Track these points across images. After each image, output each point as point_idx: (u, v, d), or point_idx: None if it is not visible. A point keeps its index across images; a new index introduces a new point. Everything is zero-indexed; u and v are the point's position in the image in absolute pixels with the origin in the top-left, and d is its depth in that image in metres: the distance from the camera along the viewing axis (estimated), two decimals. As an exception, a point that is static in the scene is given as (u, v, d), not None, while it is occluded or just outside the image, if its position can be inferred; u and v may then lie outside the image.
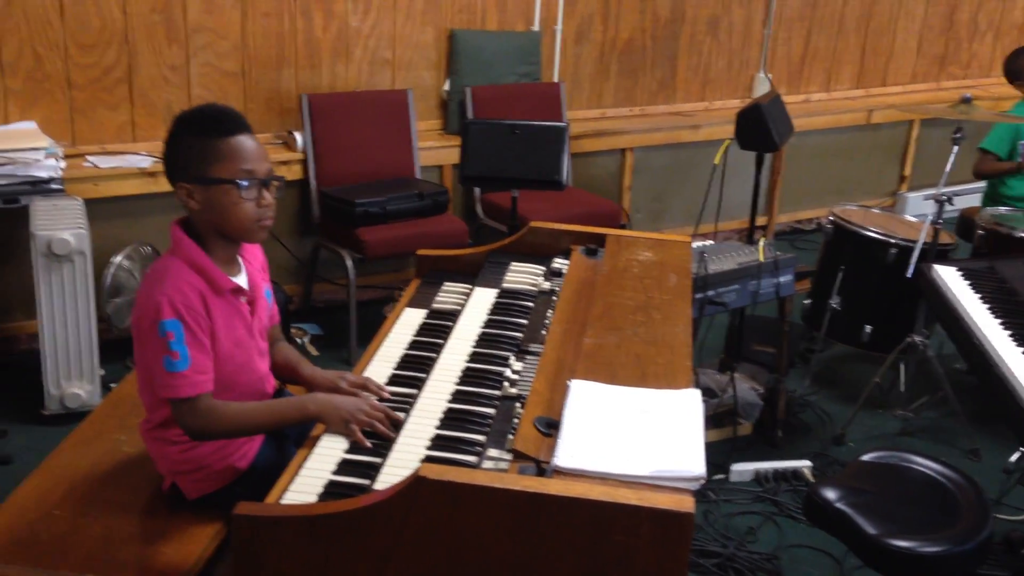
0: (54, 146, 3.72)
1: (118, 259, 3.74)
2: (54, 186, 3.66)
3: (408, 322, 2.37)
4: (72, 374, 3.48)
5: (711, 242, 3.61)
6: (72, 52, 3.92)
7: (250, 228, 1.97)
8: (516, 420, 1.83)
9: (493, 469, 1.68)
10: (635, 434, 1.71)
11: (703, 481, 1.59)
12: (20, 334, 3.97)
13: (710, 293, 3.30)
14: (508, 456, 1.71)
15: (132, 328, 1.99)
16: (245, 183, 1.93)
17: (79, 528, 2.00)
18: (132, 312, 2.01)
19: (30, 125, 3.87)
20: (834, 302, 3.88)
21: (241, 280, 2.04)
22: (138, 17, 4.01)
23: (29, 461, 3.22)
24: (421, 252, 2.68)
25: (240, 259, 2.08)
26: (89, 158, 3.96)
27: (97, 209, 3.82)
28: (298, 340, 4.18)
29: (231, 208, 1.94)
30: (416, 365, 2.14)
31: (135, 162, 3.98)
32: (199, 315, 1.91)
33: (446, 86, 4.76)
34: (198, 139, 1.93)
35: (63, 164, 3.74)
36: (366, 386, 2.02)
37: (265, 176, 1.97)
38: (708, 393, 3.65)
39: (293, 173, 4.31)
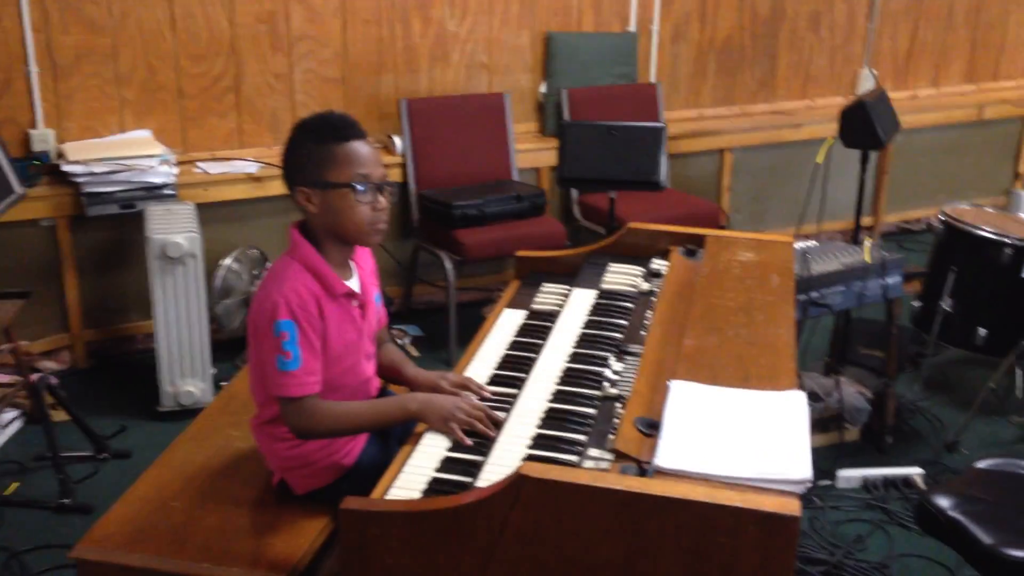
0: (167, 153, 3.87)
1: (227, 261, 3.86)
2: (167, 192, 3.81)
3: (508, 323, 2.39)
4: (186, 372, 3.61)
5: (814, 243, 3.54)
6: (183, 63, 4.07)
7: (365, 231, 2.02)
8: (616, 420, 1.84)
9: (594, 469, 1.69)
10: (738, 435, 1.70)
11: (809, 484, 1.57)
12: (137, 334, 4.14)
13: (814, 295, 3.24)
14: (609, 456, 1.71)
15: (248, 325, 2.06)
16: (361, 187, 1.98)
17: (195, 519, 2.08)
18: (249, 310, 2.08)
19: (145, 134, 4.02)
20: (945, 304, 3.76)
21: (354, 284, 2.09)
22: (244, 28, 4.14)
23: (146, 455, 3.36)
24: (520, 253, 2.70)
25: (353, 263, 2.13)
26: (199, 164, 4.10)
27: (207, 213, 3.95)
28: (399, 341, 4.25)
29: (347, 211, 1.99)
30: (516, 365, 2.16)
31: (242, 167, 4.11)
32: (313, 317, 1.97)
33: (542, 88, 4.79)
34: (316, 145, 1.99)
35: (176, 170, 3.88)
36: (466, 385, 2.05)
37: (380, 180, 2.02)
38: (813, 397, 3.58)
39: (392, 176, 4.38)
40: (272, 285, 1.98)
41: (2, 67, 3.79)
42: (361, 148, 2.00)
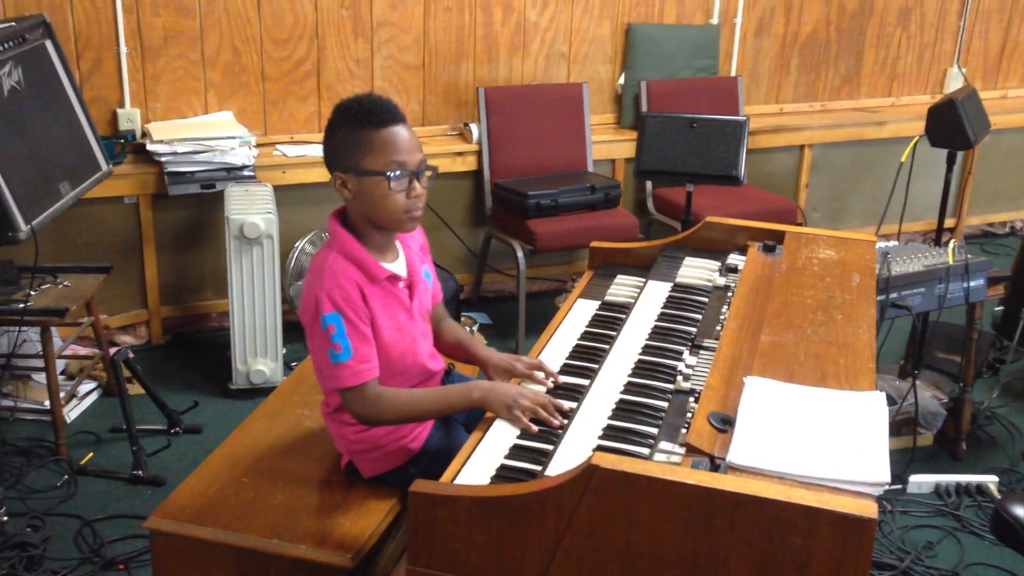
0: (248, 135, 3.92)
1: (302, 244, 3.91)
2: (247, 173, 3.87)
3: (580, 313, 2.38)
4: (258, 352, 3.66)
5: (895, 243, 3.46)
6: (267, 46, 4.12)
7: (399, 219, 2.00)
8: (689, 414, 1.82)
9: (665, 462, 1.67)
10: (814, 434, 1.66)
11: (886, 488, 1.53)
12: (211, 312, 4.22)
13: (893, 296, 3.17)
14: (680, 450, 1.69)
15: (300, 316, 2.07)
16: (395, 175, 1.96)
17: (264, 496, 2.11)
18: (299, 307, 2.09)
19: (227, 115, 4.09)
20: (1029, 310, 3.64)
21: (398, 266, 2.08)
22: (328, 12, 4.18)
23: (217, 431, 3.42)
24: (595, 244, 2.69)
25: (398, 243, 2.12)
26: (279, 147, 4.16)
27: (284, 195, 4.01)
28: (467, 329, 4.26)
29: (381, 199, 1.97)
30: (588, 355, 2.16)
31: (320, 151, 4.14)
32: (358, 306, 1.96)
33: (621, 80, 4.75)
34: (353, 130, 1.96)
35: (255, 152, 3.94)
36: (541, 367, 2.05)
37: (416, 167, 1.99)
38: (887, 400, 3.50)
39: (467, 164, 4.39)
40: (313, 280, 1.99)
41: (94, 47, 3.88)
42: (398, 134, 1.97)
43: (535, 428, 1.86)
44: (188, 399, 3.65)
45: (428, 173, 2.02)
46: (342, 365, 1.95)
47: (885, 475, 1.54)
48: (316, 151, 4.14)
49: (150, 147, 3.81)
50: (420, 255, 2.18)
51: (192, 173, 3.82)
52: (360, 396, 1.98)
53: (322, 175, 4.12)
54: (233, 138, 3.85)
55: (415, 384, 2.12)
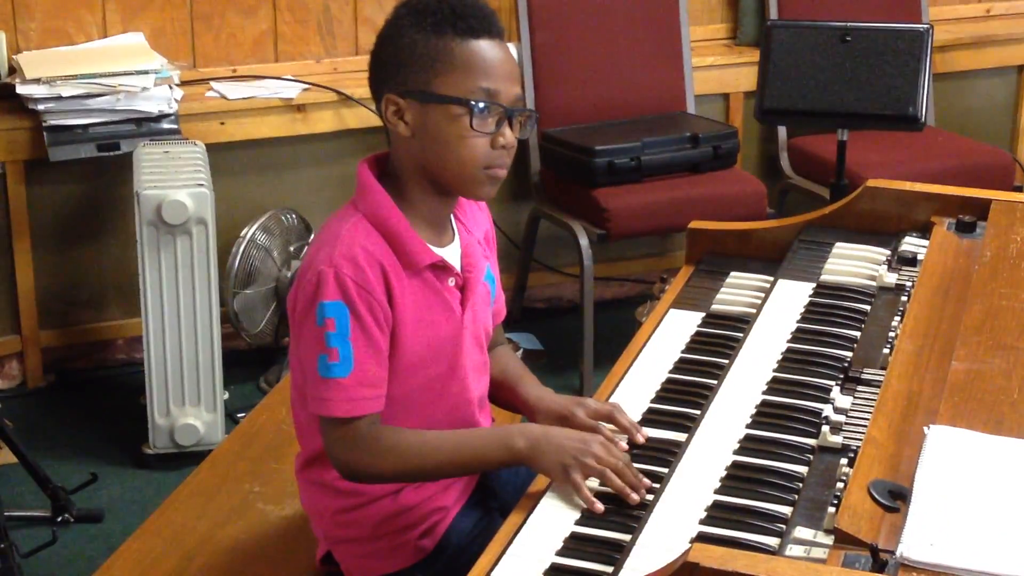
0: (167, 68, 3.96)
1: (251, 231, 3.93)
2: (166, 125, 3.90)
3: (674, 331, 2.39)
4: (186, 398, 3.69)
5: None
6: (193, -68, 4.17)
7: (475, 176, 2.03)
8: (840, 484, 1.82)
9: (803, 557, 1.67)
10: (1033, 514, 1.66)
11: None
12: (115, 338, 4.27)
13: None
14: (827, 539, 1.70)
15: (287, 306, 2.10)
16: (482, 106, 1.99)
17: (196, 616, 2.14)
18: (291, 285, 2.12)
19: (135, 38, 4.13)
20: None
21: (450, 253, 2.11)
22: None
23: (126, 519, 3.45)
24: (695, 225, 2.69)
25: (454, 221, 2.15)
26: (215, 85, 4.20)
27: (224, 159, 4.05)
28: (509, 357, 4.28)
29: (455, 142, 2.00)
30: (685, 397, 2.16)
31: (278, 90, 4.19)
32: (375, 300, 1.99)
33: (737, -29, 4.76)
34: (426, 36, 2.00)
35: (179, 94, 3.98)
36: (612, 417, 2.06)
37: (511, 104, 2.02)
38: None
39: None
40: (321, 249, 2.01)
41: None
42: (492, 51, 2.01)
43: (601, 507, 1.87)
44: (83, 470, 3.69)
45: (523, 116, 2.06)
46: (334, 383, 1.98)
47: None
48: (272, 89, 4.17)
49: (20, 89, 3.86)
50: (484, 247, 2.21)
51: (84, 128, 3.86)
52: (350, 435, 2.00)
53: (281, 127, 4.20)
54: (145, 73, 3.89)
55: None
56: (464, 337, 2.12)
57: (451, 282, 2.09)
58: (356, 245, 1.99)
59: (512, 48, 4.37)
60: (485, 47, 2.01)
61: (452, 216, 2.14)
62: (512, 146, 2.04)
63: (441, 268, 2.07)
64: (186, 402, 3.70)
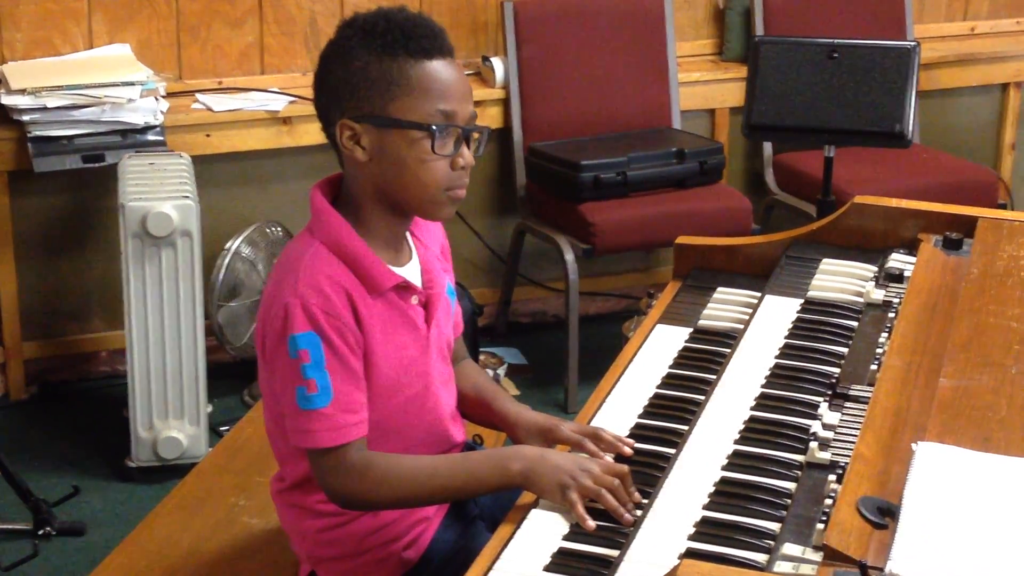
0: (153, 79, 3.96)
1: (236, 244, 3.94)
2: (152, 137, 3.90)
3: (661, 347, 2.39)
4: (170, 411, 3.69)
5: None
6: (180, -56, 4.17)
7: (436, 199, 2.02)
8: (829, 501, 1.82)
9: (792, 574, 1.67)
10: (1022, 531, 1.66)
11: None
12: (99, 350, 4.26)
13: None
14: (816, 556, 1.70)
15: (256, 341, 2.09)
16: (442, 129, 1.99)
17: (180, 630, 2.13)
18: (256, 320, 2.11)
19: (121, 50, 4.13)
20: None
21: (410, 272, 2.11)
22: None
23: (108, 532, 3.44)
24: (682, 241, 2.70)
25: (411, 239, 2.15)
26: (201, 97, 4.20)
27: (210, 171, 4.05)
28: (489, 372, 4.27)
29: (416, 166, 1.99)
30: (673, 412, 2.16)
31: (264, 103, 4.19)
32: (345, 326, 1.98)
33: (724, -13, 4.77)
34: (378, 58, 1.99)
35: (164, 106, 3.98)
36: (597, 437, 2.05)
37: (467, 123, 2.02)
38: None
39: (488, 120, 4.41)
40: (283, 281, 2.00)
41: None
42: (447, 71, 2.00)
43: (593, 524, 1.87)
44: (65, 483, 3.68)
45: (476, 135, 2.05)
46: (316, 414, 1.97)
47: None
48: (259, 102, 4.17)
49: (5, 100, 3.86)
50: (441, 260, 2.21)
51: (69, 139, 3.86)
52: (340, 463, 1.99)
53: (268, 139, 4.20)
54: (131, 84, 3.89)
55: None
56: (431, 353, 2.12)
57: (414, 300, 2.09)
58: (319, 273, 1.98)
59: (497, 63, 4.40)
60: (439, 68, 2.00)
61: (408, 233, 2.14)
62: (471, 165, 2.03)
63: (404, 288, 2.07)
64: (170, 415, 3.69)
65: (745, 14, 4.72)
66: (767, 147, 4.72)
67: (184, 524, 2.41)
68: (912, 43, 3.71)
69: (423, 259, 2.14)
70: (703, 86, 4.67)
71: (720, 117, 4.71)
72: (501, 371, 4.30)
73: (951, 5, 5.15)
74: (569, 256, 4.13)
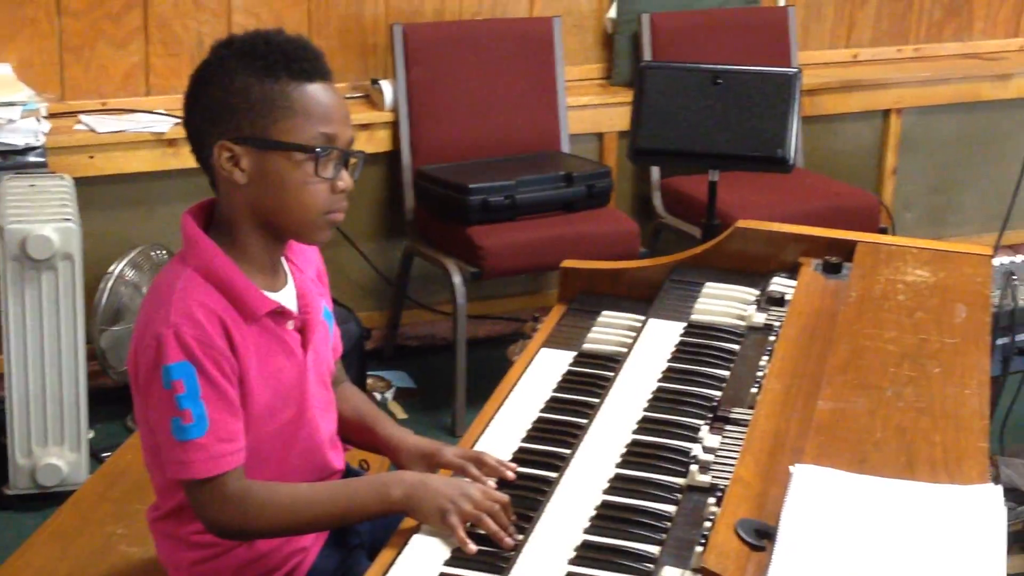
0: (34, 100, 3.91)
1: (119, 268, 3.89)
2: (32, 158, 3.84)
3: (545, 370, 2.39)
4: (49, 436, 3.63)
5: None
6: (63, -37, 4.12)
7: (315, 222, 2.02)
8: (708, 523, 1.83)
9: (671, 598, 1.68)
10: (896, 551, 1.69)
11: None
12: (-23, 375, 4.18)
13: (1020, 339, 3.22)
14: (695, 578, 1.71)
15: (128, 372, 2.06)
16: (324, 152, 1.98)
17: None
18: (129, 350, 2.08)
19: (2, 69, 4.07)
20: None
21: (285, 296, 2.09)
22: (158, -89, 4.19)
23: (-15, 562, 3.38)
24: (567, 264, 2.70)
25: (285, 263, 2.13)
26: (84, 118, 4.14)
27: (93, 193, 3.99)
28: (377, 395, 4.26)
29: (298, 188, 1.98)
30: (556, 436, 2.16)
31: (149, 124, 4.15)
32: (220, 354, 1.96)
33: (611, 13, 4.80)
34: (259, 80, 1.97)
35: (46, 127, 3.92)
36: (480, 462, 2.05)
37: (347, 147, 2.02)
38: (1013, 496, 3.55)
39: (377, 143, 4.41)
40: (154, 310, 1.98)
41: None
42: (327, 94, 2.00)
43: (474, 548, 1.86)
44: (-61, 511, 3.62)
45: (354, 160, 2.05)
46: (192, 445, 1.94)
47: (1002, 612, 1.57)
48: (143, 124, 4.13)
49: None
50: (317, 284, 2.20)
51: (-54, 160, 3.80)
52: (218, 494, 1.97)
53: (152, 161, 4.15)
54: (11, 104, 3.83)
55: None
56: (308, 379, 2.11)
57: (290, 325, 2.08)
58: (192, 301, 1.96)
59: (386, 85, 4.40)
60: (321, 91, 2.00)
61: (283, 257, 2.13)
62: (350, 188, 2.03)
63: (279, 313, 2.05)
64: (49, 441, 3.63)
65: (633, 39, 4.76)
66: (655, 171, 4.76)
67: (61, 553, 2.37)
68: (794, 70, 3.76)
69: (299, 283, 2.13)
70: (592, 110, 4.70)
71: (608, 141, 4.75)
72: (389, 394, 4.29)
73: (835, 32, 5.24)
74: (457, 279, 4.13)
